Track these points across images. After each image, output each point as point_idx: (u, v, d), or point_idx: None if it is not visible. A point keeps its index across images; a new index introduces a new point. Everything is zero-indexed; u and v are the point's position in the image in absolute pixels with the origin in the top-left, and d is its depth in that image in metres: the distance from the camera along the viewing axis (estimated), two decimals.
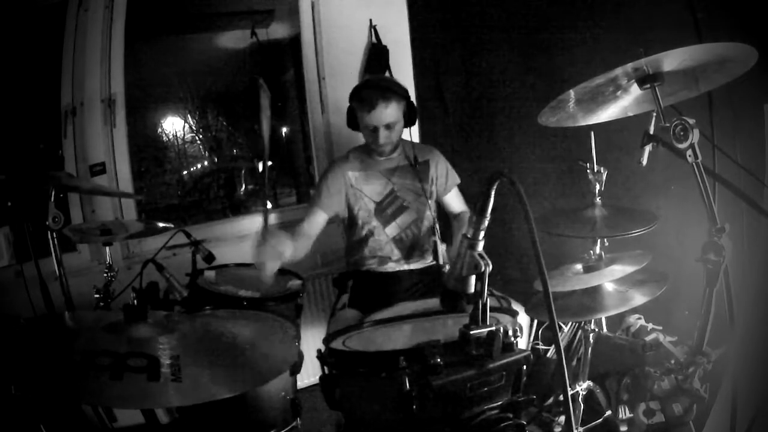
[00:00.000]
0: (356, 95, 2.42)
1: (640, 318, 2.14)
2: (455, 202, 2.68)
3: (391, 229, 2.52)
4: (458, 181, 2.67)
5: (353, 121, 2.48)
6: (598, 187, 2.10)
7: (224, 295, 2.20)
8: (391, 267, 2.54)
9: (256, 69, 4.07)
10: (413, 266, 2.56)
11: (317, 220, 2.45)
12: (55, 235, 1.98)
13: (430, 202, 2.55)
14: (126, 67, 2.98)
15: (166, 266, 2.21)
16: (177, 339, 1.34)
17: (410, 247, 2.54)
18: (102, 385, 1.14)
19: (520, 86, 3.00)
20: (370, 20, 3.38)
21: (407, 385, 1.29)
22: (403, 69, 3.33)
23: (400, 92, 2.39)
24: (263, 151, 1.84)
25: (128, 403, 1.28)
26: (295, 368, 1.76)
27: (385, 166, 2.54)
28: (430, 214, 2.56)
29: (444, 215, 2.70)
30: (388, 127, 2.38)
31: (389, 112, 2.34)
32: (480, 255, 1.30)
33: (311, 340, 2.95)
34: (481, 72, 3.25)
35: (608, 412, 2.12)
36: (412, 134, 2.65)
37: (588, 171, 2.10)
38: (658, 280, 2.01)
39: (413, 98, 2.56)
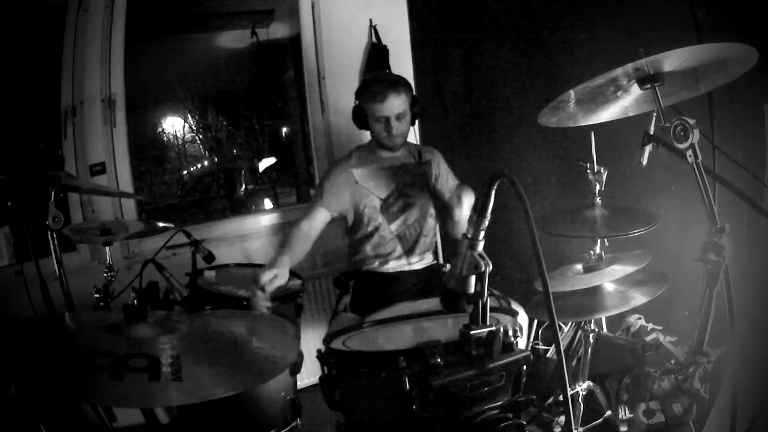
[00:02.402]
0: (366, 89, 2.46)
1: (640, 318, 2.14)
2: (452, 183, 2.67)
3: (396, 226, 2.52)
4: (457, 183, 2.69)
5: (360, 118, 2.50)
6: (598, 187, 2.10)
7: (224, 295, 2.20)
8: (392, 266, 2.54)
9: (256, 69, 4.08)
10: (414, 265, 2.56)
11: (318, 219, 2.43)
12: (55, 235, 1.98)
13: (433, 200, 2.57)
14: (126, 67, 2.97)
15: (166, 266, 2.21)
16: (177, 339, 1.35)
17: (413, 245, 2.55)
18: (103, 385, 1.14)
19: (520, 86, 3.01)
20: (370, 20, 3.38)
21: (407, 385, 1.29)
22: (403, 69, 3.33)
23: (406, 85, 2.46)
24: None
25: (129, 402, 1.28)
26: (295, 368, 1.75)
27: (390, 164, 2.54)
28: (433, 212, 2.57)
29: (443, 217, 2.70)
30: (399, 117, 2.42)
31: (399, 102, 2.40)
32: (480, 255, 1.30)
33: (311, 340, 2.95)
34: (481, 72, 3.25)
35: (608, 413, 2.13)
36: (413, 134, 2.66)
37: (588, 171, 2.10)
38: (658, 280, 2.02)
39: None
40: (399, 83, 2.43)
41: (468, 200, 2.28)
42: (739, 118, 2.16)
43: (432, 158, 2.63)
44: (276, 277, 2.05)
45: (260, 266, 2.53)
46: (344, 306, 2.48)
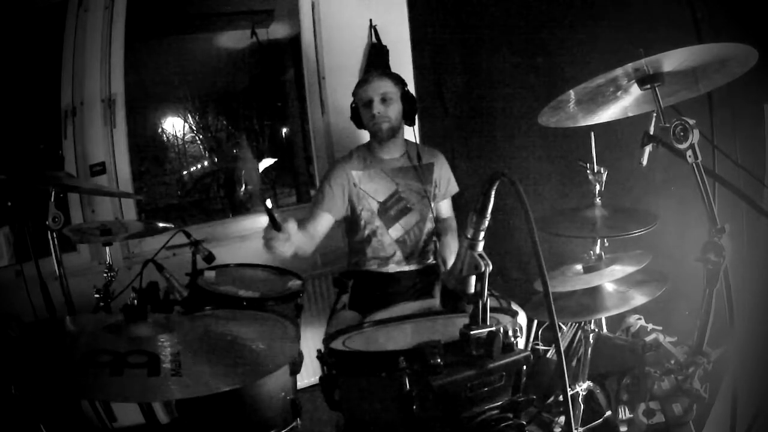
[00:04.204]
0: (357, 84, 2.53)
1: (640, 318, 2.14)
2: (445, 208, 2.71)
3: (395, 231, 2.52)
4: (456, 190, 2.71)
5: (356, 116, 2.54)
6: (598, 187, 2.10)
7: (224, 295, 2.20)
8: (392, 268, 2.53)
9: (256, 69, 4.08)
10: (414, 267, 2.56)
11: (322, 223, 2.43)
12: (55, 235, 1.98)
13: (432, 204, 2.56)
14: (126, 67, 2.97)
15: (166, 266, 2.21)
16: (177, 337, 1.35)
17: (412, 249, 2.54)
18: (102, 381, 1.15)
19: (520, 86, 3.00)
20: (370, 20, 3.38)
21: (407, 385, 1.29)
22: (403, 69, 3.33)
23: (395, 76, 2.51)
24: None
25: (128, 397, 1.28)
26: (295, 368, 1.75)
27: (390, 167, 2.54)
28: (432, 216, 2.57)
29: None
30: (384, 100, 2.43)
31: (383, 84, 2.44)
32: (480, 255, 1.30)
33: (311, 340, 2.95)
34: (481, 72, 3.25)
35: (608, 413, 2.12)
36: (413, 135, 2.66)
37: (588, 171, 2.10)
38: (658, 280, 2.02)
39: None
40: (386, 71, 2.53)
41: (452, 249, 2.42)
42: (739, 118, 2.16)
43: (435, 161, 2.62)
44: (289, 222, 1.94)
45: (260, 266, 2.54)
46: (343, 305, 2.48)
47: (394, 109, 2.46)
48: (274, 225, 1.88)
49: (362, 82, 2.49)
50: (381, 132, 2.47)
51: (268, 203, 1.78)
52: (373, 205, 2.50)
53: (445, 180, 2.64)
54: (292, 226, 1.96)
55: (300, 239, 2.12)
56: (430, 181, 2.57)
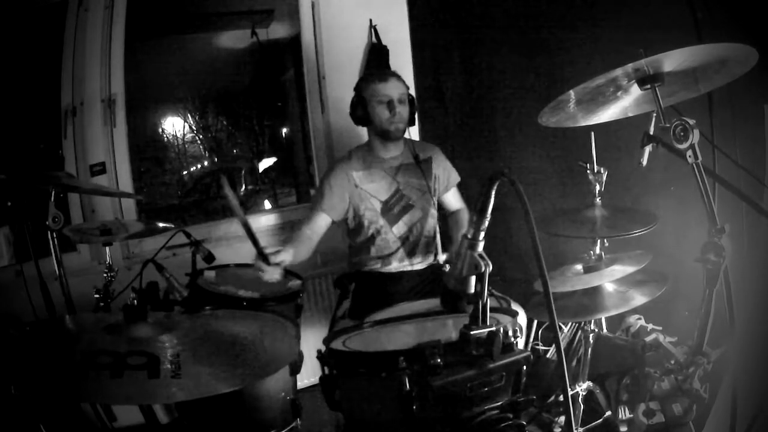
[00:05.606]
0: (366, 78, 2.53)
1: (640, 318, 2.14)
2: (453, 199, 2.70)
3: (398, 228, 2.52)
4: (458, 179, 2.68)
5: (360, 110, 2.47)
6: (598, 187, 2.10)
7: (224, 295, 2.20)
8: (394, 267, 2.53)
9: (256, 69, 4.08)
10: (416, 266, 2.56)
11: (320, 224, 2.44)
12: (55, 235, 1.99)
13: (434, 200, 2.57)
14: (126, 67, 2.98)
15: (166, 266, 2.21)
16: (177, 338, 1.35)
17: (414, 246, 2.55)
18: (102, 383, 1.15)
19: (520, 86, 3.00)
20: (370, 20, 3.38)
21: (407, 385, 1.29)
22: (403, 69, 3.33)
23: (403, 80, 2.52)
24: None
25: (129, 399, 1.28)
26: (295, 368, 1.75)
27: (389, 165, 2.54)
28: (434, 212, 2.58)
29: (442, 215, 2.71)
30: (401, 101, 2.45)
31: (401, 85, 2.47)
32: (480, 255, 1.30)
33: (311, 340, 2.94)
34: (481, 72, 3.25)
35: (608, 413, 2.13)
36: (412, 134, 2.66)
37: (588, 171, 2.10)
38: (658, 280, 2.02)
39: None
40: (396, 73, 2.53)
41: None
42: (739, 119, 2.16)
43: (432, 155, 2.62)
44: (280, 252, 2.12)
45: None
46: (344, 312, 2.49)
47: (406, 111, 2.48)
48: (264, 259, 2.08)
49: (377, 79, 2.44)
50: (397, 131, 2.47)
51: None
52: (376, 205, 2.50)
53: (445, 172, 2.63)
54: (286, 256, 2.16)
55: (299, 256, 2.31)
56: (430, 176, 2.57)
